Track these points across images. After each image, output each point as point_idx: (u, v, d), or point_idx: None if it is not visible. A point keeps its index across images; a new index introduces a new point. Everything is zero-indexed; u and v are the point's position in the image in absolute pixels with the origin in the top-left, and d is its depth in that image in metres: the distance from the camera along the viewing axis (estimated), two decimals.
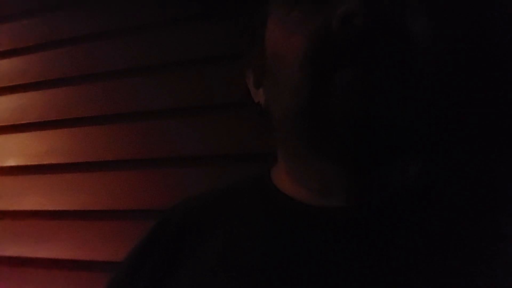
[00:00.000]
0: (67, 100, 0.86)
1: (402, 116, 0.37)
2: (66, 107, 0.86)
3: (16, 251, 0.85)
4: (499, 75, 0.56)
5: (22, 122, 0.90)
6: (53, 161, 0.86)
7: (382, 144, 0.37)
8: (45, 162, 0.86)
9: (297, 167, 0.44)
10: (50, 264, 0.81)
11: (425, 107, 0.40)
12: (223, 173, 0.70)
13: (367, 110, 0.35)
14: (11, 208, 0.88)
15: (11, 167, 0.90)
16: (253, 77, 0.48)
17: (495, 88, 0.56)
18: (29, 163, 0.88)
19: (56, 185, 0.85)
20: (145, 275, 0.46)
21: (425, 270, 0.35)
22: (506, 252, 0.36)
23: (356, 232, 0.39)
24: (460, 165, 0.48)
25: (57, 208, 0.83)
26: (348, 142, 0.37)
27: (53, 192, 0.85)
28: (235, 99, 0.70)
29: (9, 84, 0.93)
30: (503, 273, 0.34)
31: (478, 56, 0.56)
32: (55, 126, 0.87)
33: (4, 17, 0.94)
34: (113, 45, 0.83)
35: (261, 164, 0.51)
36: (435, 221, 0.39)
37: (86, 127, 0.84)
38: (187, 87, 0.76)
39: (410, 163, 0.44)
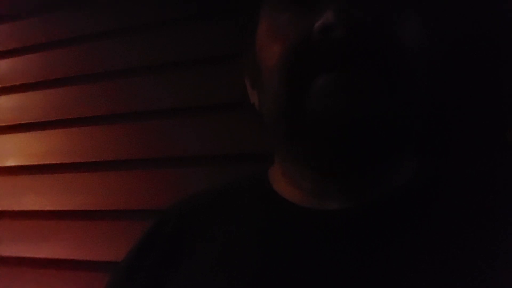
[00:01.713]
0: (67, 100, 0.86)
1: (381, 119, 0.37)
2: (66, 107, 0.86)
3: (16, 251, 0.85)
4: (499, 75, 0.56)
5: (22, 122, 0.90)
6: (53, 161, 0.86)
7: (360, 147, 0.37)
8: (45, 162, 0.86)
9: (290, 167, 0.44)
10: (50, 264, 0.81)
11: (411, 108, 0.39)
12: (223, 173, 0.70)
13: (344, 114, 0.36)
14: (11, 208, 0.88)
15: (11, 167, 0.90)
16: (249, 78, 0.48)
17: (495, 87, 0.56)
18: (29, 163, 0.88)
19: (56, 185, 0.85)
20: (143, 275, 0.46)
21: (424, 271, 0.35)
22: (506, 252, 0.35)
23: (351, 234, 0.39)
24: (459, 165, 0.48)
25: (57, 208, 0.83)
26: (324, 145, 0.37)
27: (53, 192, 0.85)
28: (235, 99, 0.70)
29: (9, 84, 0.93)
30: (503, 273, 0.34)
31: (478, 56, 0.56)
32: (55, 126, 0.87)
33: (4, 17, 0.94)
34: (113, 45, 0.83)
35: (261, 164, 0.51)
36: (434, 222, 0.39)
37: (86, 127, 0.84)
38: (187, 87, 0.76)
39: (404, 163, 0.43)
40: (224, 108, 0.73)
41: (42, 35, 0.90)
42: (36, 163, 0.87)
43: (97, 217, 0.80)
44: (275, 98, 0.39)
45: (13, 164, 0.89)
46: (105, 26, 0.84)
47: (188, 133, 0.76)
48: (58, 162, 0.85)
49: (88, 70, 0.85)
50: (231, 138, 0.72)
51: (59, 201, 0.84)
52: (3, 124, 0.92)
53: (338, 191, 0.41)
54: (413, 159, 0.45)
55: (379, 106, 0.36)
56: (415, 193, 0.41)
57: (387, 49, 0.37)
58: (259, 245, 0.42)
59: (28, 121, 0.90)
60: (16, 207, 0.87)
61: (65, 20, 0.88)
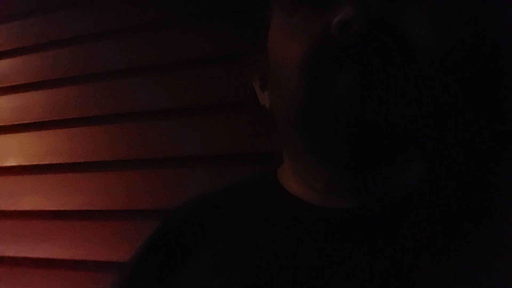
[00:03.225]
0: (67, 100, 0.86)
1: (400, 117, 0.37)
2: (66, 107, 0.86)
3: (16, 251, 0.85)
4: (500, 76, 0.56)
5: (22, 122, 0.90)
6: (53, 161, 0.86)
7: (380, 146, 0.38)
8: (45, 162, 0.86)
9: (301, 168, 0.44)
10: (50, 264, 0.81)
11: (424, 107, 0.40)
12: (223, 173, 0.70)
13: (365, 113, 0.36)
14: (11, 208, 0.88)
15: (11, 167, 0.90)
16: (259, 80, 0.48)
17: (496, 88, 0.56)
18: (29, 163, 0.88)
19: (56, 185, 0.85)
20: (150, 275, 0.46)
21: (428, 270, 0.35)
22: (508, 253, 0.36)
23: (359, 233, 0.39)
24: (462, 166, 0.48)
25: (57, 208, 0.83)
26: (346, 144, 0.37)
27: (53, 192, 0.85)
28: (235, 99, 0.70)
29: (9, 84, 0.93)
30: (504, 274, 0.34)
31: (479, 57, 0.56)
32: (55, 126, 0.87)
33: (4, 17, 0.94)
34: (113, 45, 0.83)
35: (261, 164, 0.51)
36: (438, 222, 0.39)
37: (86, 127, 0.84)
38: (187, 87, 0.76)
39: (412, 164, 0.44)
40: (224, 108, 0.73)
41: (42, 35, 0.90)
42: (36, 163, 0.87)
43: (97, 217, 0.80)
44: (294, 97, 0.39)
45: (13, 164, 0.89)
46: (105, 26, 0.84)
47: (188, 133, 0.76)
48: (58, 162, 0.85)
49: (88, 70, 0.85)
50: (231, 138, 0.72)
51: (59, 201, 0.84)
52: (3, 124, 0.92)
53: (349, 189, 0.41)
54: (420, 160, 0.45)
55: (398, 105, 0.37)
56: (423, 194, 0.41)
57: (405, 44, 0.37)
58: (267, 245, 0.41)
59: (28, 121, 0.90)
60: (16, 207, 0.87)
61: (65, 20, 0.88)
